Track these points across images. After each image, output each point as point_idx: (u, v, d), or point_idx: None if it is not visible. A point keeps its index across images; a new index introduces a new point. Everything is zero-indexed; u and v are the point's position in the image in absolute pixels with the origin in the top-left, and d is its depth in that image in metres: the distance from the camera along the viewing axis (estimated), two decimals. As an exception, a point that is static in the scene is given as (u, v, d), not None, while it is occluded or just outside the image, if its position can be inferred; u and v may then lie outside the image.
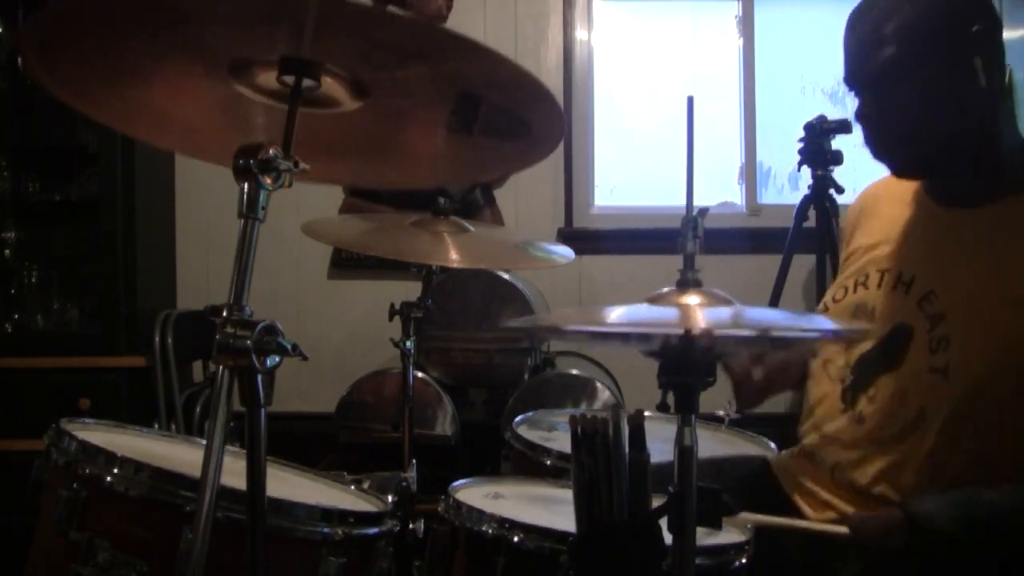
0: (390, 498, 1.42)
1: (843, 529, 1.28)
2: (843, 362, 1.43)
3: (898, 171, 1.40)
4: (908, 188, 1.46)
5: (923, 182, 1.43)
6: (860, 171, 3.14)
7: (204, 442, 0.97)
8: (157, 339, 2.87)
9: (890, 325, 1.37)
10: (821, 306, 1.54)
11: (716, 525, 0.94)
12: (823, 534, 1.31)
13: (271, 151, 0.95)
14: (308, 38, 0.94)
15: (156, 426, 2.70)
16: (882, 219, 1.50)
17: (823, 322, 1.03)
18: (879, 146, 1.37)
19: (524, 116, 1.08)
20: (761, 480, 1.58)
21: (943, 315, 1.32)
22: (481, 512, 1.26)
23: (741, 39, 3.43)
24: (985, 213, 1.35)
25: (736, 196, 3.44)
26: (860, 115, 1.36)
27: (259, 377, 0.93)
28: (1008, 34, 1.35)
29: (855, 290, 1.46)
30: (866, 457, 1.36)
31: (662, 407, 0.93)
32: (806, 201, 2.87)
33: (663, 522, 0.93)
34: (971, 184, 1.36)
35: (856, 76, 1.37)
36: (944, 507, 1.24)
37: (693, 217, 0.97)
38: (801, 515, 1.46)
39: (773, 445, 1.82)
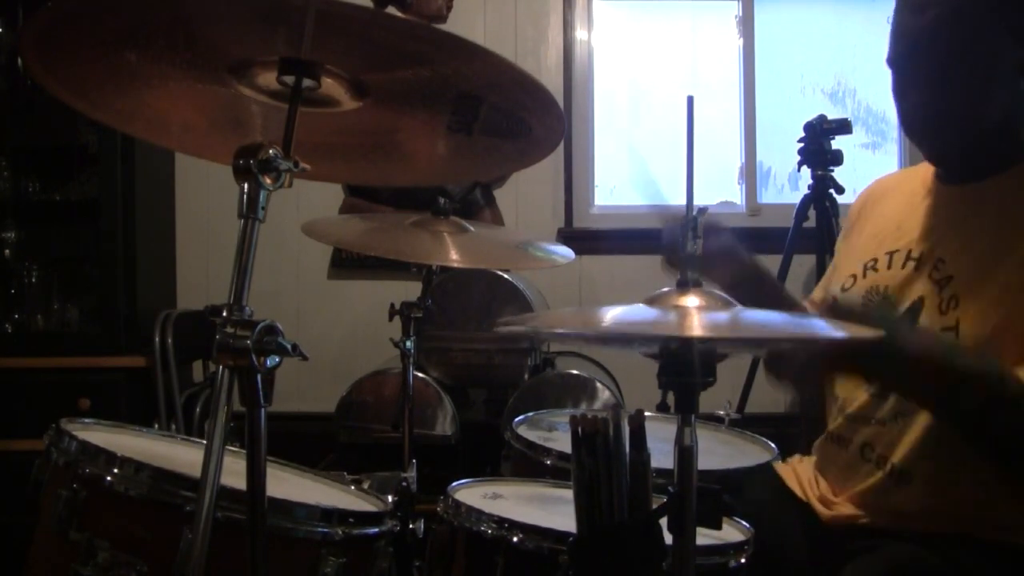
0: (390, 498, 1.42)
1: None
2: None
3: (938, 157, 1.41)
4: (914, 181, 1.47)
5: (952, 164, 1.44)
6: (860, 171, 3.15)
7: (204, 442, 0.97)
8: (157, 339, 2.87)
9: (905, 302, 1.37)
10: (829, 298, 1.53)
11: (716, 525, 0.94)
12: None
13: (271, 151, 0.95)
14: (308, 39, 0.94)
15: (156, 426, 2.70)
16: (887, 211, 1.51)
17: (821, 325, 1.03)
18: (926, 128, 1.37)
19: (524, 117, 1.08)
20: (765, 481, 1.57)
21: (951, 277, 1.33)
22: (480, 512, 1.26)
23: (741, 39, 3.43)
24: (991, 184, 1.36)
25: (736, 196, 3.44)
26: (907, 99, 1.36)
27: (259, 377, 0.93)
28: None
29: (864, 275, 1.46)
30: (893, 430, 1.36)
31: (662, 407, 0.93)
32: (806, 201, 2.87)
33: (663, 522, 0.93)
34: (980, 160, 1.37)
35: (911, 58, 1.35)
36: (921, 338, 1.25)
37: (693, 217, 0.97)
38: (811, 510, 1.45)
39: (773, 445, 1.82)
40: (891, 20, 1.38)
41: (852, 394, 1.44)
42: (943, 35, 1.31)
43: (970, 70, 1.31)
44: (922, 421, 1.32)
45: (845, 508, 1.40)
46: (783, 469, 1.59)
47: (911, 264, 1.39)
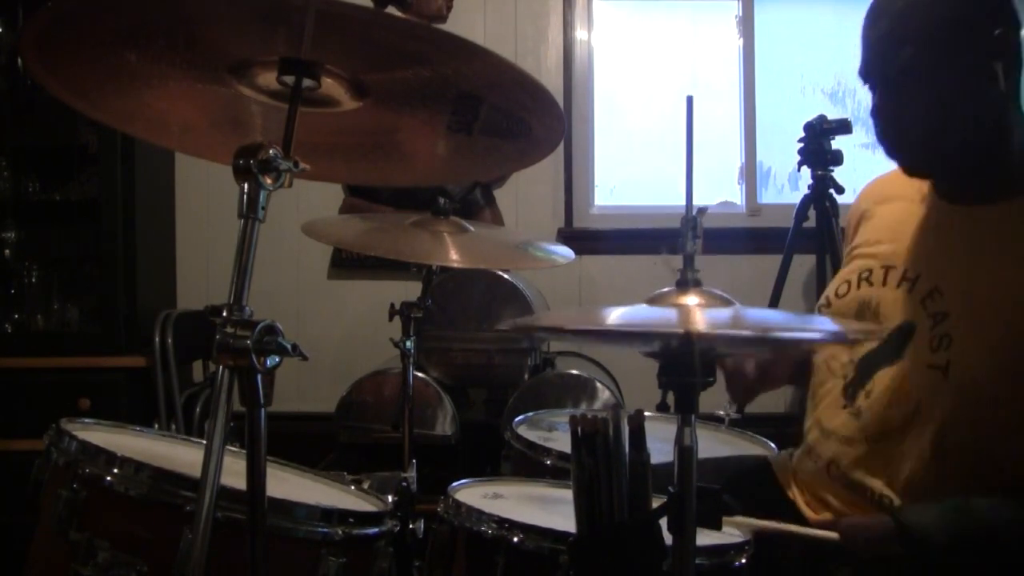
0: (390, 498, 1.42)
1: (833, 535, 1.28)
2: (847, 358, 1.43)
3: (910, 170, 1.39)
4: (914, 185, 1.46)
5: (932, 179, 1.43)
6: (860, 171, 3.14)
7: (204, 442, 0.97)
8: (157, 339, 2.87)
9: (894, 322, 1.37)
10: (823, 300, 1.53)
11: (716, 525, 0.94)
12: (813, 539, 1.31)
13: (271, 151, 0.95)
14: (308, 39, 0.94)
15: (156, 426, 2.70)
16: (887, 216, 1.49)
17: (823, 323, 1.03)
18: (893, 144, 1.36)
19: (524, 117, 1.08)
20: (761, 479, 1.58)
21: (946, 313, 1.31)
22: (480, 512, 1.26)
23: (741, 39, 3.43)
24: (994, 211, 1.34)
25: (736, 196, 3.44)
26: (875, 111, 1.35)
27: (259, 377, 0.92)
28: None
29: (859, 286, 1.46)
30: (861, 452, 1.36)
31: (662, 407, 0.93)
32: (806, 201, 2.87)
33: (663, 522, 0.93)
34: (980, 182, 1.36)
35: (874, 72, 1.35)
36: (936, 517, 1.23)
37: (693, 217, 0.97)
38: (799, 512, 1.46)
39: (773, 445, 1.82)
40: (861, 34, 1.37)
41: (828, 409, 1.44)
42: (895, 48, 1.30)
43: (925, 81, 1.29)
44: (904, 448, 1.32)
45: (828, 510, 1.41)
46: (777, 463, 1.59)
47: (906, 285, 1.38)
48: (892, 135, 1.35)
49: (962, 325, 1.30)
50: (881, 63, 1.34)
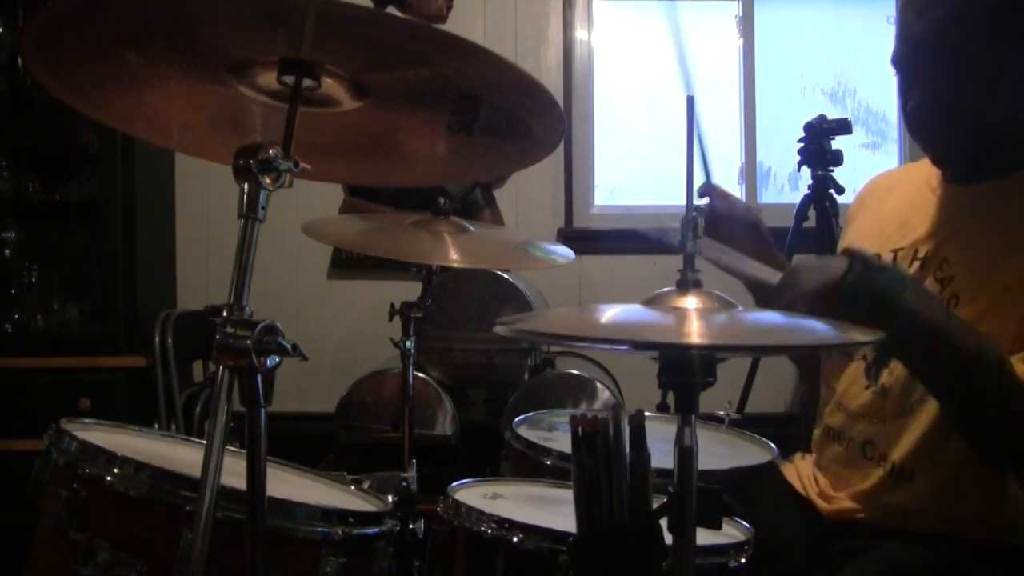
0: (390, 498, 1.42)
1: (775, 274, 1.27)
2: None
3: (939, 157, 1.41)
4: (916, 177, 1.48)
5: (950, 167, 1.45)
6: (860, 171, 3.14)
7: (204, 442, 0.97)
8: (157, 339, 2.87)
9: None
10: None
11: (716, 525, 0.94)
12: (754, 276, 1.31)
13: (271, 151, 0.95)
14: (308, 39, 0.94)
15: (156, 426, 2.70)
16: (888, 206, 1.51)
17: (824, 325, 1.03)
18: (927, 129, 1.37)
19: (524, 117, 1.08)
20: (769, 478, 1.58)
21: (953, 277, 1.34)
22: (480, 512, 1.26)
23: (741, 39, 3.44)
24: (996, 187, 1.37)
25: (736, 196, 3.44)
26: (910, 100, 1.35)
27: (259, 377, 0.92)
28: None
29: None
30: (894, 428, 1.36)
31: (662, 407, 0.93)
32: (806, 201, 2.87)
33: (663, 522, 0.93)
34: (985, 162, 1.38)
35: (913, 59, 1.35)
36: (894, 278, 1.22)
37: (693, 217, 0.97)
38: (812, 506, 1.46)
39: (773, 446, 1.82)
40: (896, 20, 1.38)
41: (851, 390, 1.44)
42: (945, 37, 1.31)
43: (970, 74, 1.31)
44: (924, 419, 1.33)
45: (844, 503, 1.41)
46: (785, 467, 1.60)
47: (916, 264, 1.40)
48: (932, 122, 1.36)
49: (965, 285, 1.32)
50: (928, 54, 1.33)
